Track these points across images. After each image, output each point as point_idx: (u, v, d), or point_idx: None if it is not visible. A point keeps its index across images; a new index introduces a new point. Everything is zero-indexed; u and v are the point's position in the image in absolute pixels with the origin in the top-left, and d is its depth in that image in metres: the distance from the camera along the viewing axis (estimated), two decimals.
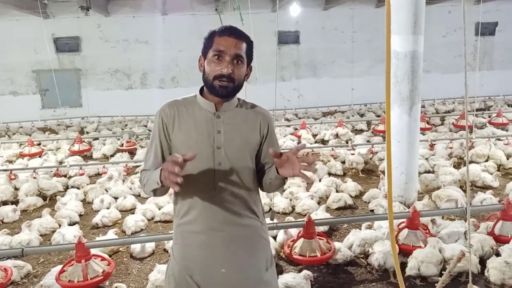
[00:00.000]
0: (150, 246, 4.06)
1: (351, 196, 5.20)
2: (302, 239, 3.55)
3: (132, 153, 8.08)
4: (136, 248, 4.02)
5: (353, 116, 11.36)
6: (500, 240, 3.65)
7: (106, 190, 5.74)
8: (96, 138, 9.42)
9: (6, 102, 12.14)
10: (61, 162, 7.56)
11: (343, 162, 6.65)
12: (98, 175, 6.81)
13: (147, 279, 3.40)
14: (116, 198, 5.48)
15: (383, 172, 5.82)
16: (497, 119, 9.09)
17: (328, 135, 8.64)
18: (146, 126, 10.81)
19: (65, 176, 6.61)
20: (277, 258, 3.74)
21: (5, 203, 5.53)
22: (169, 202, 4.97)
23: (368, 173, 6.50)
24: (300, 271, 3.38)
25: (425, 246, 3.48)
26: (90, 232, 4.73)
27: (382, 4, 12.34)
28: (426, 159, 6.48)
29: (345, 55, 13.13)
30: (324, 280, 3.53)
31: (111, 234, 4.13)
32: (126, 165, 6.83)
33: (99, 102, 12.36)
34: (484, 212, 4.49)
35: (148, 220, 4.86)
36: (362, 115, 11.53)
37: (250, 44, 1.69)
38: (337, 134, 8.57)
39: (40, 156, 7.96)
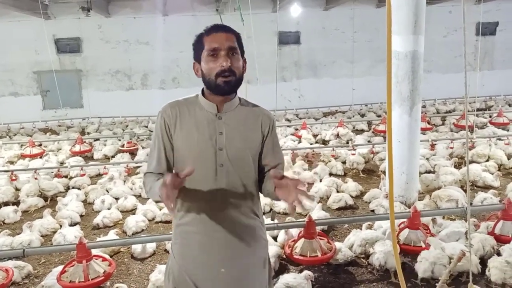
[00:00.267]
0: (151, 247, 4.06)
1: (351, 196, 5.21)
2: (303, 239, 3.56)
3: (133, 153, 8.08)
4: (137, 248, 4.03)
5: (353, 116, 11.35)
6: (501, 240, 3.65)
7: (107, 191, 5.74)
8: (97, 139, 9.43)
9: (7, 103, 12.16)
10: (62, 163, 7.57)
11: (344, 162, 6.64)
12: (99, 175, 6.83)
13: (148, 280, 3.41)
14: (117, 199, 5.49)
15: (384, 172, 5.83)
16: (498, 119, 9.08)
17: (328, 135, 8.64)
18: (147, 126, 10.83)
19: (66, 176, 6.62)
20: (279, 258, 3.73)
21: (6, 204, 5.54)
22: None
23: (369, 173, 6.50)
24: (301, 271, 3.38)
25: (425, 246, 3.48)
26: (91, 232, 4.74)
27: (383, 4, 12.34)
28: (427, 159, 6.48)
29: (346, 55, 13.13)
30: (325, 280, 3.53)
31: (112, 235, 4.14)
32: (127, 166, 6.84)
33: (100, 103, 12.37)
34: (484, 212, 4.49)
35: (149, 220, 4.87)
36: (362, 115, 11.53)
37: (238, 36, 1.70)
38: (337, 134, 8.57)
39: (41, 157, 7.97)
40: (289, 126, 9.83)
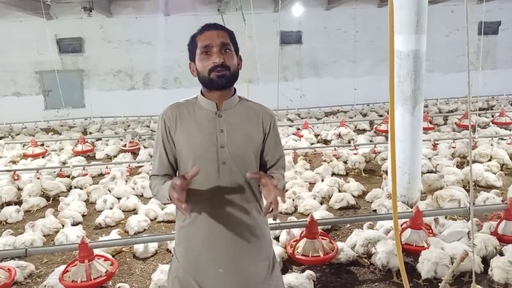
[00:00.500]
0: (153, 246, 4.07)
1: (353, 196, 5.20)
2: (305, 239, 3.55)
3: (135, 153, 8.09)
4: (139, 248, 4.03)
5: (355, 116, 11.34)
6: (504, 240, 3.64)
7: (109, 191, 5.75)
8: (99, 139, 9.44)
9: (9, 103, 12.18)
10: (64, 163, 7.58)
11: (346, 162, 6.64)
12: (101, 175, 6.84)
13: (150, 279, 3.41)
14: (119, 199, 5.50)
15: (386, 172, 5.81)
16: (500, 119, 9.06)
17: (330, 135, 8.63)
18: (148, 126, 10.84)
19: (68, 176, 6.63)
20: (282, 259, 3.72)
21: (8, 203, 5.55)
22: None
23: (371, 173, 6.49)
24: (303, 271, 3.38)
25: (427, 246, 3.47)
26: (93, 232, 4.74)
27: (385, 4, 12.33)
28: (429, 158, 6.47)
29: (348, 55, 13.11)
30: (326, 280, 3.52)
31: (114, 234, 4.14)
32: (129, 166, 6.85)
33: (102, 103, 12.38)
34: (487, 212, 4.47)
35: (151, 220, 4.87)
36: (364, 115, 11.51)
37: (232, 34, 1.71)
38: (339, 134, 8.56)
39: (43, 157, 7.99)
40: (291, 126, 9.82)
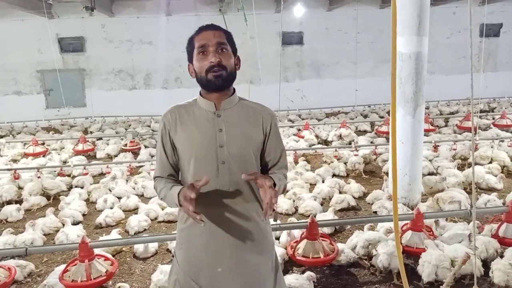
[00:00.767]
0: (153, 246, 4.06)
1: (354, 198, 5.20)
2: (305, 240, 3.55)
3: (135, 153, 8.09)
4: (139, 248, 4.03)
5: (356, 117, 11.34)
6: (505, 242, 3.63)
7: (110, 190, 5.75)
8: (100, 138, 9.45)
9: (10, 102, 12.19)
10: (65, 162, 7.58)
11: (346, 163, 6.63)
12: (102, 174, 6.84)
13: (150, 279, 3.41)
14: (119, 198, 5.50)
15: (387, 174, 5.81)
16: (501, 121, 9.04)
17: (331, 136, 8.63)
18: (149, 126, 10.84)
19: (68, 175, 6.63)
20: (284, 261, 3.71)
21: (9, 202, 5.55)
22: None
23: (372, 174, 6.48)
24: (303, 272, 3.38)
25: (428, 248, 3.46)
26: (94, 231, 4.74)
27: (386, 5, 12.32)
28: (430, 160, 6.46)
29: (349, 56, 13.10)
30: (327, 282, 3.52)
31: (114, 234, 4.14)
32: (130, 165, 6.85)
33: (103, 102, 12.39)
34: (488, 214, 4.46)
35: (152, 220, 4.87)
36: (365, 116, 11.51)
37: (229, 34, 1.72)
38: (340, 135, 8.56)
39: (44, 156, 7.99)
40: (291, 127, 9.82)
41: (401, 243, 3.61)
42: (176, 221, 2.00)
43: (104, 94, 12.60)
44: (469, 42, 2.01)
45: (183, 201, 1.53)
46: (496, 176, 5.68)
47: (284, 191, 1.79)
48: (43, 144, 8.67)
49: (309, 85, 13.15)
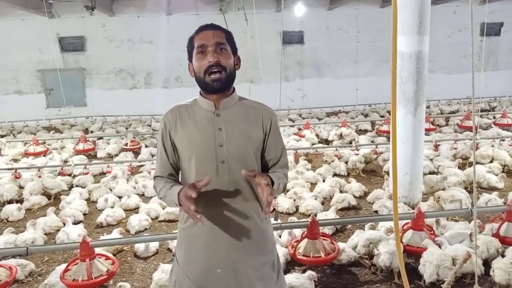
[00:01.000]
0: (154, 246, 4.07)
1: (355, 197, 5.19)
2: (306, 240, 3.55)
3: (136, 152, 8.10)
4: (140, 247, 4.03)
5: (357, 116, 11.33)
6: (505, 241, 3.63)
7: (110, 189, 5.75)
8: (101, 138, 9.45)
9: (11, 101, 12.19)
10: (65, 161, 7.58)
11: (347, 163, 6.63)
12: (103, 174, 6.84)
13: (151, 279, 3.41)
14: (120, 197, 5.49)
15: (387, 173, 5.80)
16: (502, 120, 9.03)
17: (331, 135, 8.62)
18: (150, 125, 10.84)
19: (69, 175, 6.63)
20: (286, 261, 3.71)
21: (10, 201, 5.55)
22: None
23: (372, 173, 6.48)
24: (304, 271, 3.37)
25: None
26: (95, 231, 4.75)
27: (387, 4, 12.31)
28: (431, 160, 6.46)
29: (349, 55, 13.09)
30: (328, 281, 3.52)
31: (115, 233, 4.14)
32: (130, 165, 6.85)
33: (103, 102, 12.40)
34: (489, 213, 4.46)
35: (152, 219, 4.87)
36: (366, 116, 11.50)
37: (228, 34, 1.71)
38: (341, 135, 8.55)
39: (44, 155, 7.99)
40: (292, 126, 9.81)
41: (402, 242, 3.61)
42: (177, 221, 2.00)
43: (104, 93, 12.60)
44: (470, 41, 2.00)
45: (184, 200, 1.53)
46: (497, 175, 5.68)
47: (284, 190, 1.79)
48: (43, 143, 8.67)
49: (310, 85, 13.15)
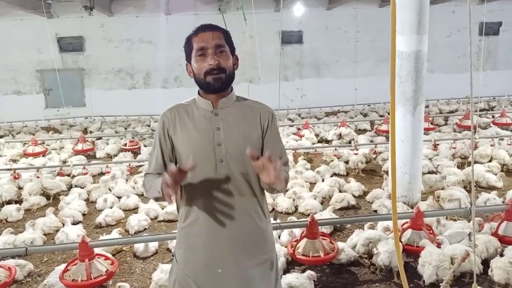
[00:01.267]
0: (153, 246, 4.07)
1: (354, 196, 5.20)
2: (305, 239, 3.55)
3: (135, 152, 8.09)
4: (139, 247, 4.03)
5: (356, 116, 11.34)
6: (504, 241, 3.63)
7: (110, 190, 5.75)
8: (100, 138, 9.45)
9: (10, 102, 12.18)
10: (64, 162, 7.57)
11: (347, 162, 6.63)
12: (102, 174, 6.83)
13: (150, 279, 3.41)
14: (119, 198, 5.49)
15: (387, 172, 5.81)
16: (501, 119, 9.05)
17: (331, 135, 8.63)
18: (149, 125, 10.84)
19: (68, 175, 6.62)
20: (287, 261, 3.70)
21: (9, 202, 5.54)
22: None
23: (371, 173, 6.48)
24: (303, 271, 3.38)
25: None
26: (94, 231, 4.74)
27: (386, 4, 12.32)
28: (430, 159, 6.46)
29: (349, 55, 13.10)
30: (327, 280, 3.52)
31: (114, 234, 4.14)
32: (129, 165, 6.85)
33: (102, 102, 12.39)
34: (487, 212, 4.47)
35: (152, 219, 4.87)
36: (365, 115, 11.51)
37: (227, 34, 1.71)
38: (340, 134, 8.56)
39: (43, 156, 7.99)
40: (291, 126, 9.82)
41: (401, 242, 3.61)
42: (176, 221, 2.00)
43: (103, 93, 12.59)
44: (469, 41, 2.00)
45: (163, 176, 1.50)
46: (496, 174, 5.69)
47: (287, 183, 1.77)
48: (42, 144, 8.67)
49: (309, 84, 13.15)
